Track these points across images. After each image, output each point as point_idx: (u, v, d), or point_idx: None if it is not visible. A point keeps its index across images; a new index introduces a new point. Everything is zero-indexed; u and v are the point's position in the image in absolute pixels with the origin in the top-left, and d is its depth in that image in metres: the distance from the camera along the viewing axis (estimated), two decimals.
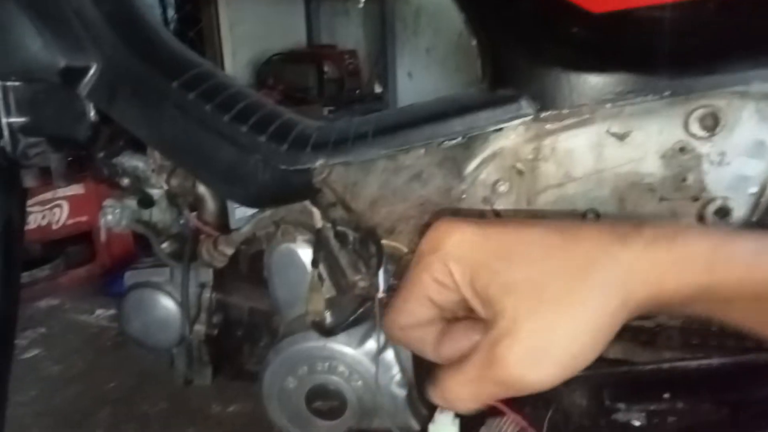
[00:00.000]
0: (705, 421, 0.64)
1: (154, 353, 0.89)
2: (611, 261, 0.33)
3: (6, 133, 0.73)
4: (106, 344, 1.96)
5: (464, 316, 0.38)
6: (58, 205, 2.36)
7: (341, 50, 3.86)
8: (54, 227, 2.35)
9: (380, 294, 0.61)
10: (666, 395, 0.63)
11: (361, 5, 3.99)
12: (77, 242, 2.49)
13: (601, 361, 0.72)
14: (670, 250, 0.32)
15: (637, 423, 0.71)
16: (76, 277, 2.44)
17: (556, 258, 0.33)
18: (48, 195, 2.30)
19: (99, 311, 2.20)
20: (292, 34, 3.94)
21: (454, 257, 0.35)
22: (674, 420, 0.66)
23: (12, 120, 0.73)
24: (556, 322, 0.32)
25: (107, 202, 0.82)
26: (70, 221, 2.40)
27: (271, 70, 3.51)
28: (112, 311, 2.18)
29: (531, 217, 0.56)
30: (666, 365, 0.62)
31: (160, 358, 0.90)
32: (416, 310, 0.36)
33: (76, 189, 2.39)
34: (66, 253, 2.49)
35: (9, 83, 0.72)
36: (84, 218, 2.43)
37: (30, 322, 2.05)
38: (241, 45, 3.48)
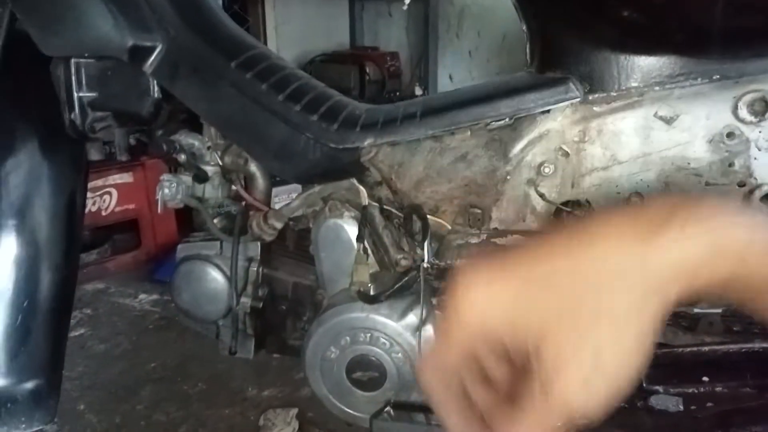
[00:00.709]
0: (744, 408, 0.64)
1: (201, 325, 0.93)
2: (639, 264, 0.31)
3: (77, 106, 0.78)
4: (149, 327, 2.03)
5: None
6: (108, 193, 2.45)
7: (383, 52, 3.90)
8: (103, 213, 2.43)
9: (425, 263, 0.63)
10: (705, 379, 0.63)
11: (405, 7, 4.01)
12: (124, 230, 2.57)
13: None
14: (701, 242, 0.30)
15: (673, 409, 0.71)
16: (121, 263, 2.52)
17: (580, 280, 0.31)
18: (99, 182, 2.39)
19: (143, 296, 2.27)
20: (336, 35, 4.00)
21: (482, 330, 0.33)
22: (712, 406, 0.66)
23: (82, 95, 0.78)
24: (599, 344, 0.31)
25: (164, 176, 0.87)
26: (119, 209, 2.48)
27: (314, 71, 3.58)
28: (155, 296, 2.25)
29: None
30: (706, 348, 0.62)
31: (207, 332, 0.94)
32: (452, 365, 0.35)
33: (125, 178, 2.48)
34: (113, 240, 2.58)
35: (82, 60, 0.76)
36: (132, 206, 2.51)
37: (77, 303, 2.13)
38: (286, 45, 3.55)
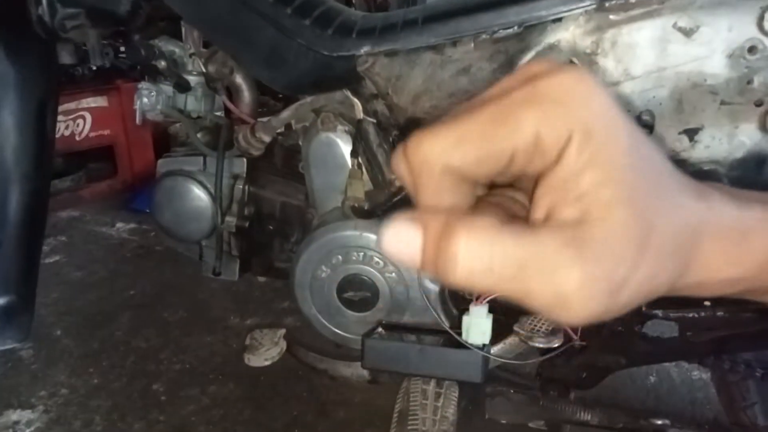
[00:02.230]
0: (740, 333, 0.63)
1: (183, 245, 0.89)
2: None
3: (44, 1, 0.71)
4: (126, 255, 1.99)
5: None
6: (82, 117, 2.34)
7: None
8: (77, 138, 2.34)
9: None
10: (707, 303, 0.62)
11: None
12: (99, 158, 2.49)
13: None
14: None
15: (667, 335, 0.70)
16: (97, 191, 2.45)
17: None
18: (72, 105, 2.28)
19: (119, 224, 2.22)
20: None
21: (584, 126, 0.23)
22: (708, 331, 0.65)
23: None
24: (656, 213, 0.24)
25: (142, 84, 0.81)
26: (93, 134, 2.38)
27: None
28: (133, 225, 2.20)
29: None
30: None
31: (189, 252, 0.90)
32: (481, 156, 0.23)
33: (99, 102, 2.38)
34: (88, 168, 2.50)
35: None
36: (106, 132, 2.41)
37: (51, 230, 2.07)
38: None
